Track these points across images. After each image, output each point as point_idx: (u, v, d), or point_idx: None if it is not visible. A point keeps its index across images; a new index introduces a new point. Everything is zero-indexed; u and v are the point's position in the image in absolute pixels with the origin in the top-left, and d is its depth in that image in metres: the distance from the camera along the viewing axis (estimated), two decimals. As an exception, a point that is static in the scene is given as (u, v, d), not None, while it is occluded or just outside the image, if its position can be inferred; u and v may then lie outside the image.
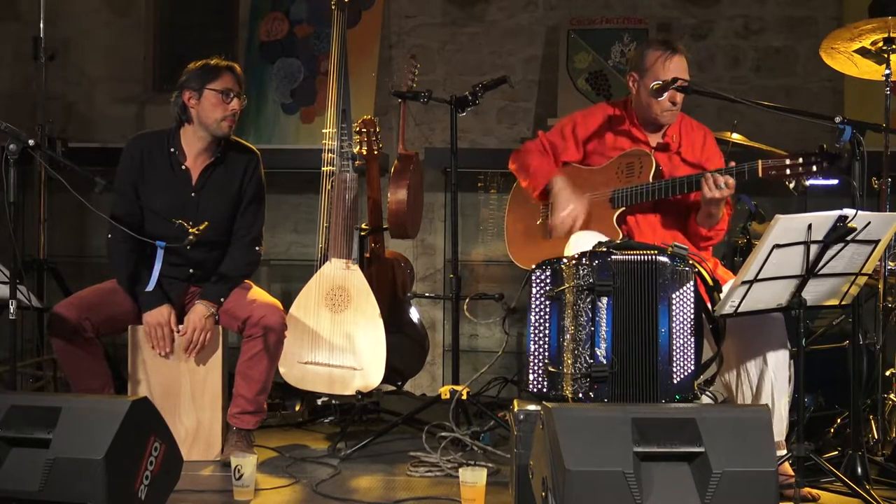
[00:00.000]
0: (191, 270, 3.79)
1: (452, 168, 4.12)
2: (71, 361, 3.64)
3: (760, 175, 3.33)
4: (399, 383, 4.61)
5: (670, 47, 3.57)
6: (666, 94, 3.52)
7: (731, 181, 3.35)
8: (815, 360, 3.82)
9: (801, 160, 3.26)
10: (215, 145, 3.78)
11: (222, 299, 3.73)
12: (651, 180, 3.53)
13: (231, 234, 3.83)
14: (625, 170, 3.60)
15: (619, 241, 3.19)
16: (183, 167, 3.75)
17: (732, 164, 3.40)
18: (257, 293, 3.80)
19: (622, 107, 3.74)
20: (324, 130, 4.21)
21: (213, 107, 3.70)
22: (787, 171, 3.29)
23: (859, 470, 3.22)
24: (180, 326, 3.70)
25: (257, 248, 3.87)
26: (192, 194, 3.75)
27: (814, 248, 2.97)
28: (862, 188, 3.17)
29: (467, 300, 4.15)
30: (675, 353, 2.99)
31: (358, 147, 4.12)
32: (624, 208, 3.58)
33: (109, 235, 3.73)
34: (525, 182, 3.77)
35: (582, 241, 3.32)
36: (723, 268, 3.56)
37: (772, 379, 3.22)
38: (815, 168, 3.25)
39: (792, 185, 3.29)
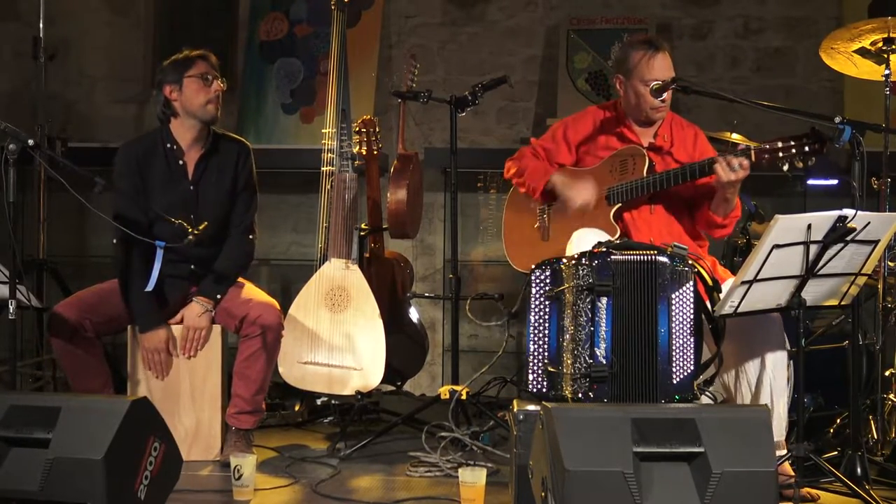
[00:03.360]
0: (192, 267, 3.78)
1: (452, 168, 4.12)
2: (70, 361, 3.64)
3: (753, 160, 3.33)
4: (398, 383, 4.61)
5: (653, 45, 3.58)
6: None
7: (746, 162, 3.34)
8: (815, 360, 3.83)
9: (792, 142, 3.28)
10: (205, 135, 3.79)
11: (219, 296, 3.74)
12: (645, 175, 3.54)
13: (227, 230, 3.83)
14: (618, 167, 3.61)
15: (618, 242, 3.19)
16: (180, 162, 3.76)
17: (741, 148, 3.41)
18: (254, 292, 3.80)
19: (612, 109, 3.75)
20: (323, 130, 4.21)
21: (196, 93, 3.72)
22: (780, 154, 3.30)
23: (859, 470, 3.21)
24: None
25: (251, 237, 3.87)
26: (191, 187, 3.76)
27: (813, 249, 2.97)
28: (861, 188, 3.17)
29: (468, 301, 4.15)
30: (674, 354, 2.99)
31: (357, 147, 4.12)
32: (620, 205, 3.58)
33: (115, 240, 3.71)
34: (523, 187, 3.78)
35: (583, 239, 3.33)
36: (721, 267, 3.56)
37: (770, 380, 3.22)
38: (806, 148, 3.26)
39: (786, 168, 3.29)
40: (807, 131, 3.27)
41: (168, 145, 3.77)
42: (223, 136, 3.88)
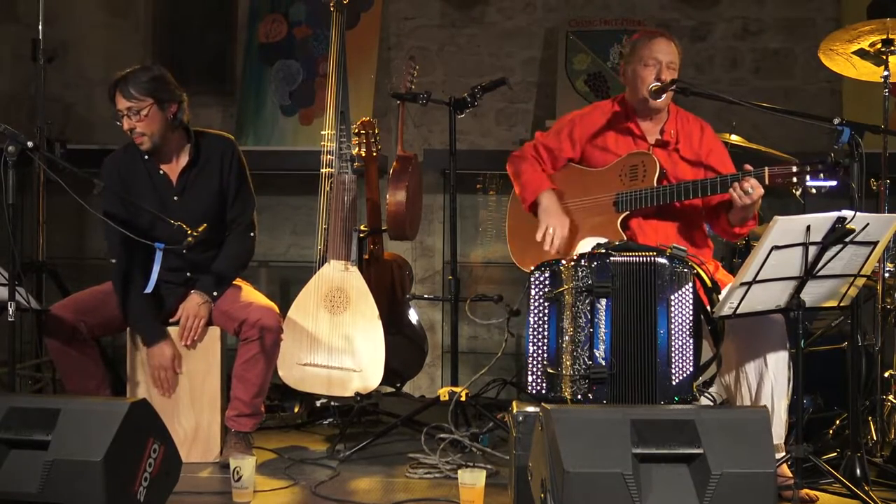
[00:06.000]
0: (188, 274, 3.78)
1: (451, 169, 4.12)
2: (66, 362, 3.64)
3: (767, 183, 3.34)
4: (398, 385, 4.61)
5: (654, 31, 3.66)
6: (653, 71, 3.55)
7: (756, 183, 3.34)
8: (814, 361, 3.83)
9: (808, 168, 3.29)
10: (182, 145, 3.76)
11: (215, 293, 3.72)
12: (655, 184, 3.53)
13: (223, 232, 3.81)
14: (628, 172, 3.60)
15: (618, 243, 3.19)
16: (161, 172, 3.74)
17: (747, 166, 3.40)
18: (253, 295, 3.79)
19: (620, 103, 3.74)
20: (322, 132, 4.21)
21: (126, 131, 3.69)
22: (794, 180, 3.32)
23: (858, 471, 3.22)
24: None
25: (251, 235, 3.84)
26: (175, 198, 3.73)
27: (812, 250, 2.97)
28: (860, 189, 3.18)
29: (467, 301, 4.15)
30: (673, 355, 2.99)
31: (357, 149, 4.12)
32: (628, 212, 3.57)
33: (113, 260, 3.69)
34: (517, 191, 3.78)
35: (589, 246, 3.32)
36: (723, 270, 3.56)
37: (772, 381, 3.22)
38: (821, 175, 3.27)
39: (798, 193, 3.33)
40: (822, 158, 3.27)
41: (146, 157, 3.75)
42: (206, 136, 3.82)
